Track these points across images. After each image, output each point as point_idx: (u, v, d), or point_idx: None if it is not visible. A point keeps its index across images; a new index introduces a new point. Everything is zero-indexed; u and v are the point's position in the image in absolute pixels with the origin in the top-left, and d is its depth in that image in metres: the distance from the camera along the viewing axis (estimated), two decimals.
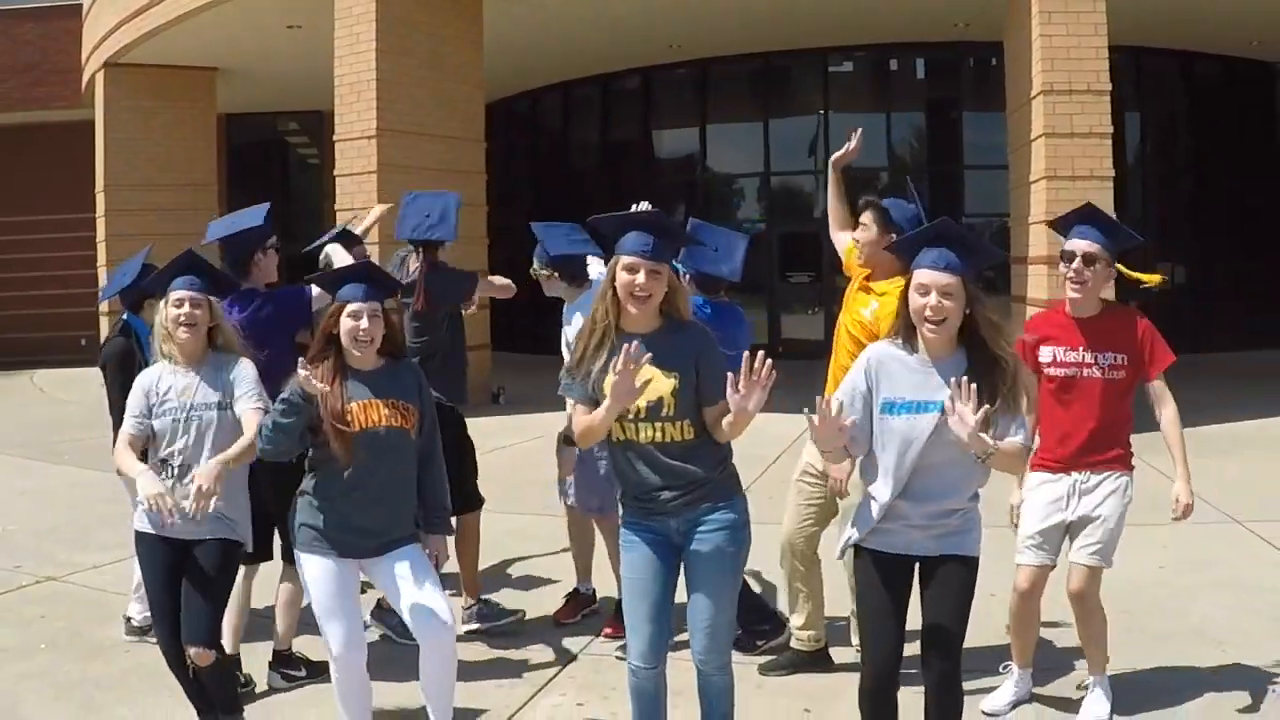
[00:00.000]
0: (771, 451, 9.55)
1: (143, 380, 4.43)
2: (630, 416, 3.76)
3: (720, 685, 3.92)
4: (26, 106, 22.45)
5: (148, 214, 18.04)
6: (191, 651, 4.26)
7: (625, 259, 3.76)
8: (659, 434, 3.77)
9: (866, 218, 4.98)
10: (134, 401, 4.40)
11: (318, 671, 5.13)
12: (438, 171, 13.48)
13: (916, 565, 3.73)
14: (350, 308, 4.14)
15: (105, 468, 10.50)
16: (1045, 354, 4.52)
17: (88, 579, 6.97)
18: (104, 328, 18.94)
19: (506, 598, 6.26)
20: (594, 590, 6.05)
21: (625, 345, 3.57)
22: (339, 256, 6.12)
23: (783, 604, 5.34)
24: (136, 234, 17.70)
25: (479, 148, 14.88)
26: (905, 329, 3.69)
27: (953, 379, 3.49)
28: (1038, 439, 4.47)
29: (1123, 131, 18.18)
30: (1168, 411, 4.55)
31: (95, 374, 20.36)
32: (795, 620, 5.15)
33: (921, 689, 3.79)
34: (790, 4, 15.82)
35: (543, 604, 6.22)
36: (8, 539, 8.03)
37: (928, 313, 3.58)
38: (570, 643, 5.66)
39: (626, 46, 18.36)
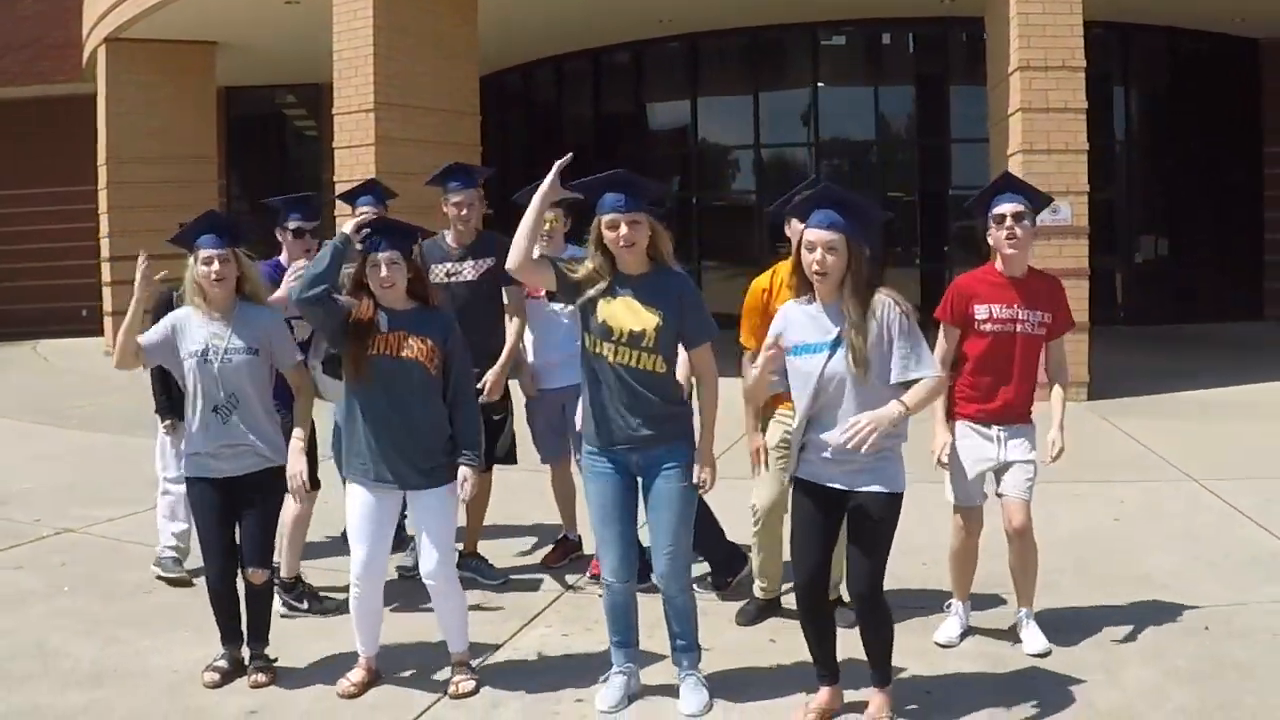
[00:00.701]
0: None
1: (173, 315, 4.84)
2: (614, 337, 4.26)
3: (681, 605, 4.44)
4: (26, 81, 22.67)
5: (150, 186, 18.29)
6: (249, 571, 4.78)
7: (605, 218, 4.26)
8: (634, 360, 4.27)
9: None
10: (161, 323, 4.83)
11: (322, 610, 5.60)
12: (434, 144, 13.78)
13: (844, 498, 4.18)
14: (371, 258, 4.55)
15: (113, 431, 10.98)
16: (981, 311, 4.90)
17: (104, 530, 7.36)
18: (106, 298, 19.29)
19: (504, 546, 6.70)
20: (579, 537, 6.47)
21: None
22: None
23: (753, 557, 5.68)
24: (139, 206, 18.07)
25: (474, 121, 15.16)
26: (802, 282, 4.18)
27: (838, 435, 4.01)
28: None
29: (1110, 105, 18.52)
30: (1065, 376, 5.12)
31: (97, 344, 20.77)
32: (758, 578, 5.51)
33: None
34: None
35: (536, 551, 6.68)
36: (25, 496, 8.40)
37: (814, 266, 4.08)
38: (557, 582, 6.12)
39: (617, 21, 18.60)
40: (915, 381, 4.04)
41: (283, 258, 5.95)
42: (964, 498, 5.02)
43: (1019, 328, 4.90)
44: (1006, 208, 4.91)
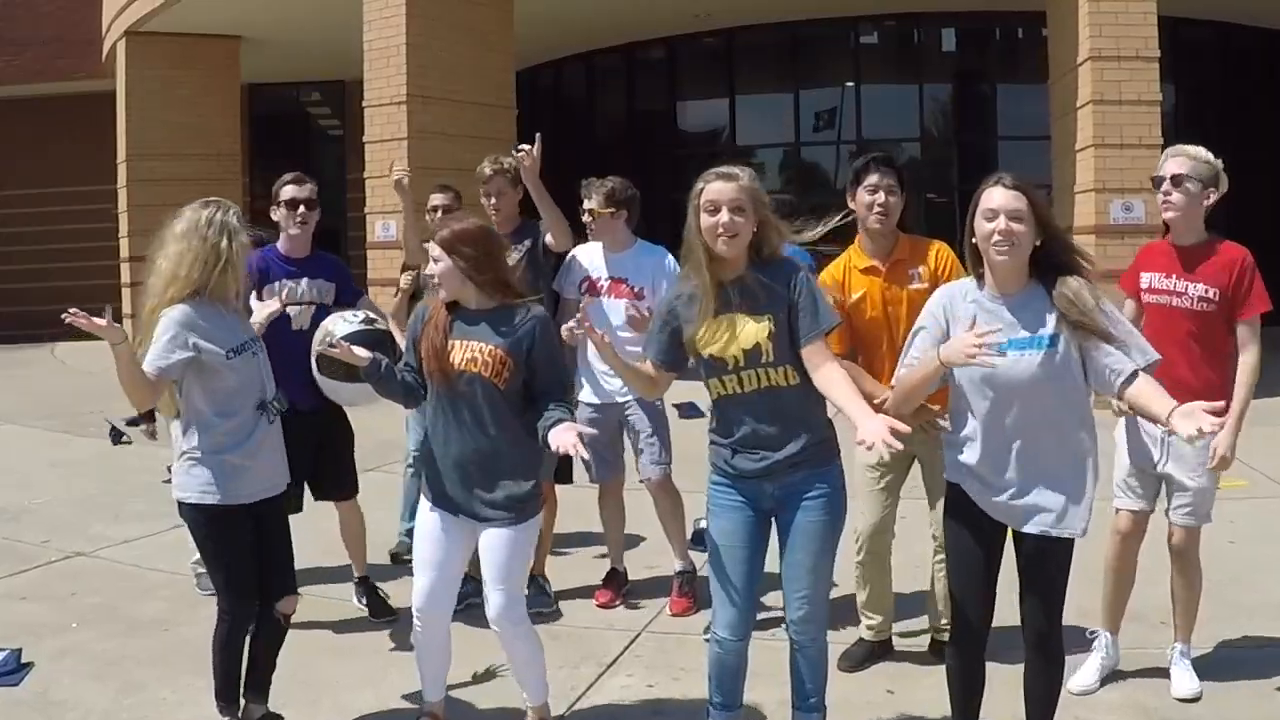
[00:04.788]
0: None
1: (173, 321, 4.12)
2: (729, 368, 3.59)
3: (814, 656, 3.75)
4: (47, 78, 22.36)
5: (171, 184, 17.75)
6: (283, 602, 4.19)
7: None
8: (763, 381, 3.59)
9: (888, 180, 4.61)
10: (169, 342, 4.15)
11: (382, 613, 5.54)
12: (469, 139, 13.22)
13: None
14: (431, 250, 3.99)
15: (135, 438, 10.44)
16: (1144, 279, 4.43)
17: (117, 554, 6.79)
18: (125, 299, 18.79)
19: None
20: (626, 570, 5.87)
21: None
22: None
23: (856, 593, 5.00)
24: (160, 204, 17.52)
25: (509, 114, 14.65)
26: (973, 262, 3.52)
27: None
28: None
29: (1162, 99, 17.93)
30: (1246, 358, 4.32)
31: None
32: (865, 617, 4.87)
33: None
34: None
35: (584, 575, 6.07)
36: (37, 512, 7.86)
37: (994, 238, 3.37)
38: (632, 620, 5.46)
39: (651, 15, 18.02)
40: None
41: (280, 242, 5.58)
42: (1124, 499, 4.48)
43: (1174, 301, 4.32)
44: (1170, 167, 4.36)
